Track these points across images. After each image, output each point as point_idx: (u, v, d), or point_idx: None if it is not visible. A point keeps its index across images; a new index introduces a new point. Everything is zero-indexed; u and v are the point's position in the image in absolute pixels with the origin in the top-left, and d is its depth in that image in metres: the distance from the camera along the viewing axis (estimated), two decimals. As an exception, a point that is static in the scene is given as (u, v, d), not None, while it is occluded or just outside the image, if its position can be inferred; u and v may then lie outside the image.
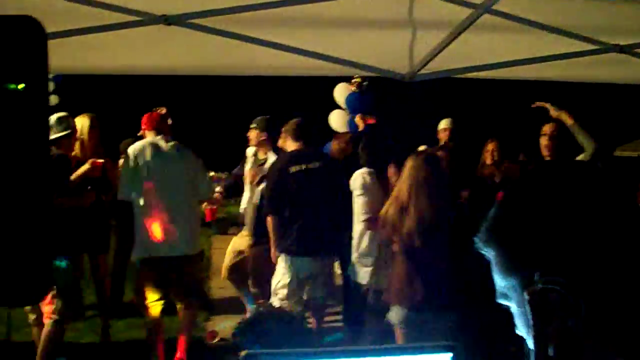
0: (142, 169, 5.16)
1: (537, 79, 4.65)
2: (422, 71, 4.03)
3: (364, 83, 9.75)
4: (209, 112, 18.31)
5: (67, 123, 5.47)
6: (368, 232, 5.76)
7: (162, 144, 5.26)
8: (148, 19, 3.74)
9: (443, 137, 7.97)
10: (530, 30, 3.98)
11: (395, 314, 4.48)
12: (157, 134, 5.35)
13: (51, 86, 13.88)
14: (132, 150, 5.26)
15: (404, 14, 3.82)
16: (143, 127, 5.47)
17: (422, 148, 6.86)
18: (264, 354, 1.55)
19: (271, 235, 5.55)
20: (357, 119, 8.05)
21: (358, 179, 5.75)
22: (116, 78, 7.59)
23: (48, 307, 5.07)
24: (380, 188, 5.65)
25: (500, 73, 4.27)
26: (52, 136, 5.27)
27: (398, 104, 13.25)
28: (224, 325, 6.43)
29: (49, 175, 2.12)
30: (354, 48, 4.09)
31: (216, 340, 6.38)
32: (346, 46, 4.04)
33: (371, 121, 9.63)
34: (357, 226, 5.87)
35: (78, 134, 5.77)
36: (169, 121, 5.66)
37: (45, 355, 5.13)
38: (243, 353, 1.46)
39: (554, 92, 5.70)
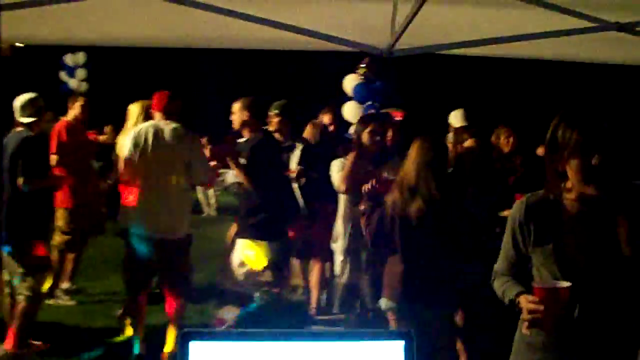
0: (138, 150, 5.07)
1: (529, 58, 4.39)
2: (402, 47, 3.80)
3: (366, 71, 9.53)
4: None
5: (32, 108, 5.33)
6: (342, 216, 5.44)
7: (163, 126, 5.16)
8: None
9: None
10: (520, 4, 3.73)
11: (385, 303, 4.27)
12: (164, 115, 5.24)
13: (82, 74, 13.79)
14: (133, 132, 5.22)
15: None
16: (153, 108, 5.35)
17: None
18: (202, 333, 1.54)
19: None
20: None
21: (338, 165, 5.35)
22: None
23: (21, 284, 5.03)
24: None
25: (486, 50, 4.02)
26: (22, 120, 5.24)
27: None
28: (235, 313, 6.27)
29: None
30: (332, 21, 3.87)
31: (224, 327, 6.21)
32: (323, 19, 3.82)
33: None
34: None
35: (133, 121, 5.76)
36: (176, 104, 5.49)
37: (20, 331, 5.11)
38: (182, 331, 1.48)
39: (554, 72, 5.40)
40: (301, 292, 6.84)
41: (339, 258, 5.38)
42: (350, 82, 10.05)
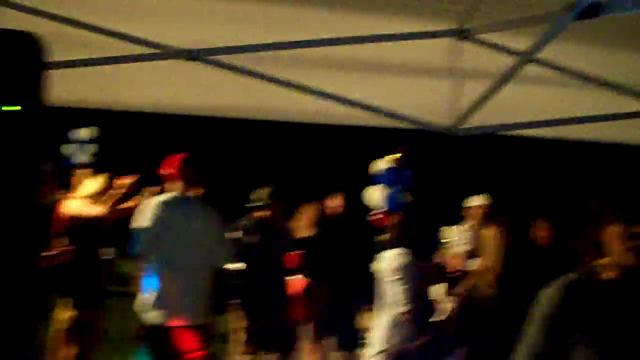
0: (163, 225, 4.67)
1: (590, 141, 4.26)
2: (465, 125, 3.66)
3: (400, 159, 9.60)
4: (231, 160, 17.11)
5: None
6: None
7: (187, 199, 4.80)
8: (169, 53, 3.42)
9: (476, 214, 6.87)
10: (579, 84, 3.63)
11: None
12: (186, 185, 4.80)
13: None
14: (156, 202, 4.77)
15: (447, 61, 3.50)
16: (170, 173, 4.84)
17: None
18: None
19: None
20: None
21: (396, 260, 4.95)
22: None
23: None
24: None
25: (546, 132, 3.90)
26: None
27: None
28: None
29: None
30: (392, 97, 3.73)
31: None
32: (384, 94, 3.69)
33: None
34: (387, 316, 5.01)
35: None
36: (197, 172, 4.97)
37: None
38: None
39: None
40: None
41: None
42: (380, 167, 10.05)
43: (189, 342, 4.68)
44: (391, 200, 9.53)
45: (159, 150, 5.19)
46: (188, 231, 4.76)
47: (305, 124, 4.10)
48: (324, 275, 6.56)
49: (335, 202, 7.08)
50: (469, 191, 7.11)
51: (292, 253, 6.56)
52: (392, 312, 4.91)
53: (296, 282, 6.56)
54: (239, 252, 6.03)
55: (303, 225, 6.78)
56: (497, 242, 4.06)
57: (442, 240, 6.78)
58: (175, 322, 4.65)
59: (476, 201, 7.07)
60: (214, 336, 5.11)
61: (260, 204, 6.38)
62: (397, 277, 4.89)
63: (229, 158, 15.49)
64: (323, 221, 6.82)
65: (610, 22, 3.15)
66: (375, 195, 9.73)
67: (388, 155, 9.47)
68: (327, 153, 15.79)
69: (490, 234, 4.07)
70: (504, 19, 3.26)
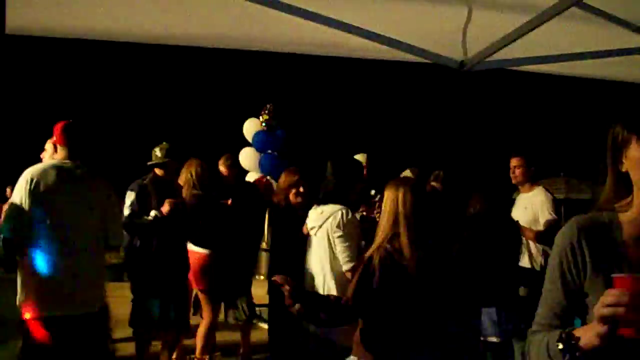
0: (39, 201, 4.05)
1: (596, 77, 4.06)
2: (476, 60, 3.36)
3: (273, 121, 9.27)
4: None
5: None
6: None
7: (71, 168, 4.24)
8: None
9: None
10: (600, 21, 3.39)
11: None
12: (69, 152, 4.28)
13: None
14: (28, 175, 4.11)
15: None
16: (53, 139, 4.38)
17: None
18: None
19: None
20: None
21: (338, 215, 4.53)
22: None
23: None
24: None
25: (561, 68, 3.66)
26: None
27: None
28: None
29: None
30: (402, 27, 3.36)
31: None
32: (393, 24, 3.30)
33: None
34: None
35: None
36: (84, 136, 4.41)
37: None
38: None
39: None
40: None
41: None
42: (250, 129, 9.59)
43: (72, 333, 4.12)
44: (263, 164, 9.20)
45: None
46: (70, 207, 4.16)
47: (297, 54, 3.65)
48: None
49: (223, 164, 6.54)
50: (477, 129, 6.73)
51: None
52: (336, 270, 4.52)
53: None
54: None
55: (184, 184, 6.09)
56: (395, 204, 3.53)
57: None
58: (60, 311, 4.09)
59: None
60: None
61: (157, 162, 5.79)
62: (340, 233, 4.50)
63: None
64: (208, 183, 6.17)
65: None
66: (248, 159, 9.36)
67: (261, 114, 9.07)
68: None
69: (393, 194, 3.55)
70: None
